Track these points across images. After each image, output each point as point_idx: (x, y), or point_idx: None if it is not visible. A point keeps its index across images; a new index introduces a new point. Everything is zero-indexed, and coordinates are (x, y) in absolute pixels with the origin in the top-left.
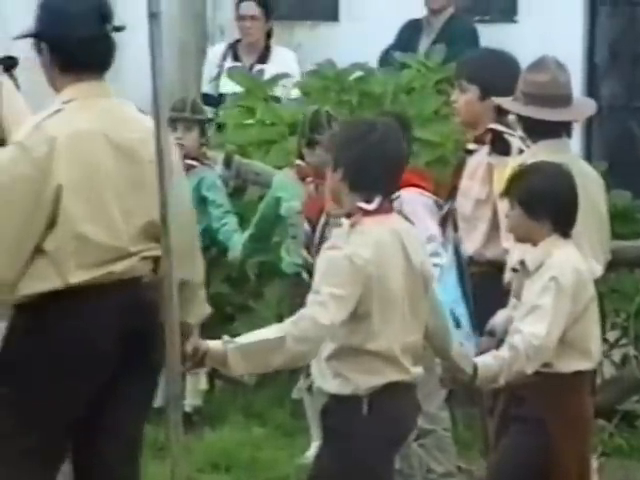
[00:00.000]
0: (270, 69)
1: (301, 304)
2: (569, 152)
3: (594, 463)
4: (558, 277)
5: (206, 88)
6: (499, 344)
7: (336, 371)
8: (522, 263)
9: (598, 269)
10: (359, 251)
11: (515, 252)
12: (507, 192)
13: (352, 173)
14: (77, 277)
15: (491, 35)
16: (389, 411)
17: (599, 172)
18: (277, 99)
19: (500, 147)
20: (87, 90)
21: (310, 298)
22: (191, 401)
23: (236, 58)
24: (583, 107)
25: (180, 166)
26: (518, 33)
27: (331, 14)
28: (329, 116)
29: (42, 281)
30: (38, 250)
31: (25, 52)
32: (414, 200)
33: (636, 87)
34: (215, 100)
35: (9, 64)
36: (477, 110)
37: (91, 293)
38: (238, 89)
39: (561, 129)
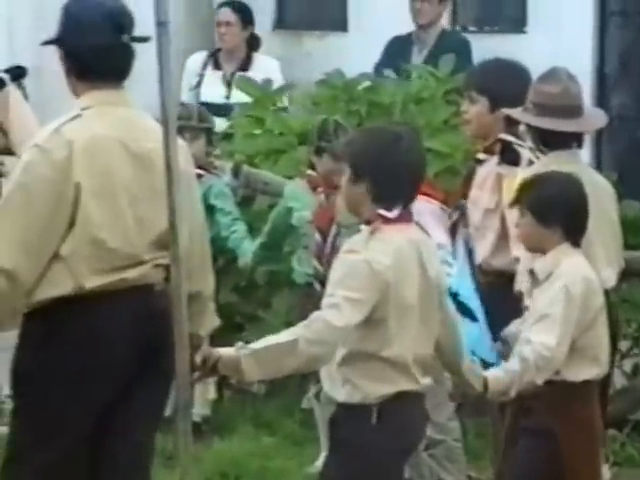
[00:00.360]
0: (252, 77)
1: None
2: (580, 163)
3: (606, 473)
4: (568, 286)
5: (185, 97)
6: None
7: (346, 378)
8: (531, 272)
9: (613, 277)
10: (379, 257)
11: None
12: (517, 201)
13: (379, 184)
14: (92, 282)
15: (501, 46)
16: (398, 420)
17: (609, 182)
18: (284, 109)
19: (509, 157)
20: (104, 98)
21: (324, 301)
22: (200, 410)
23: (217, 66)
24: (594, 118)
25: (194, 179)
26: (528, 44)
27: (340, 24)
28: (337, 124)
29: (56, 286)
30: (54, 255)
31: (33, 61)
32: (422, 209)
33: None
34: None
35: (18, 73)
36: (487, 122)
37: (104, 299)
38: (219, 99)
39: (572, 140)
